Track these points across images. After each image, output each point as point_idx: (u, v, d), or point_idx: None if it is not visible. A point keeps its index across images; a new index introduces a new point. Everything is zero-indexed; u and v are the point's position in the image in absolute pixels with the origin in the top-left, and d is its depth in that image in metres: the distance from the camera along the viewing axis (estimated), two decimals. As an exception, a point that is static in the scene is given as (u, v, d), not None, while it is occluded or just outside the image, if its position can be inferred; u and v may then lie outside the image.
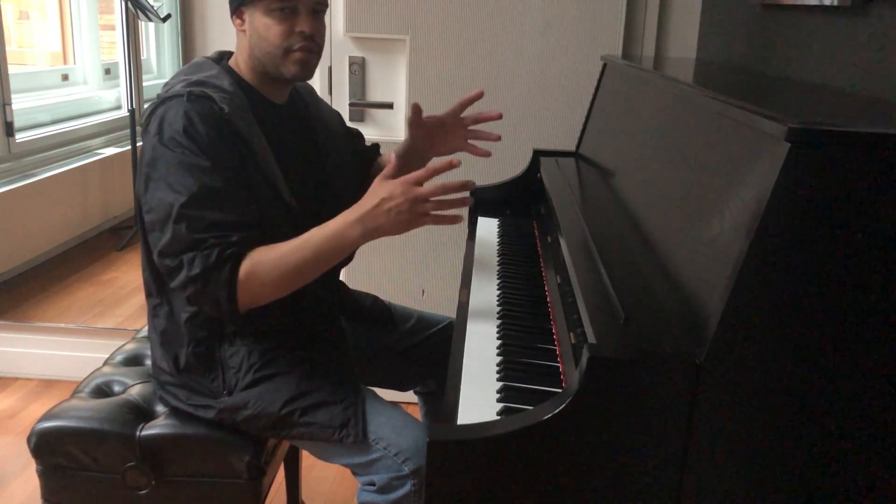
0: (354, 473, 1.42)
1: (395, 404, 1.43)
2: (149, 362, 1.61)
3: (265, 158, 1.37)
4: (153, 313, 1.46)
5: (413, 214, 1.26)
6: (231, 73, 1.43)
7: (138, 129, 3.75)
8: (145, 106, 3.91)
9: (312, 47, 1.40)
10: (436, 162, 1.32)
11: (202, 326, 1.41)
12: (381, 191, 1.27)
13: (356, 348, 1.65)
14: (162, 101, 1.35)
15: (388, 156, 1.69)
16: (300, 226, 1.36)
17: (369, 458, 1.36)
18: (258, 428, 1.41)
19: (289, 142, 1.48)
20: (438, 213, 1.28)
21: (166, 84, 1.41)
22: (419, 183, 1.27)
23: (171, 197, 1.29)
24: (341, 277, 1.72)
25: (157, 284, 1.44)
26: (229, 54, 1.49)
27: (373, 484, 1.36)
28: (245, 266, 1.29)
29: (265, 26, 1.38)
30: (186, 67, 1.44)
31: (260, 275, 1.30)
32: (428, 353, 1.70)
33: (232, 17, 1.43)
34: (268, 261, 1.30)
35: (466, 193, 1.30)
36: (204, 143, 1.30)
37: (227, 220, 1.30)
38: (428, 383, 1.75)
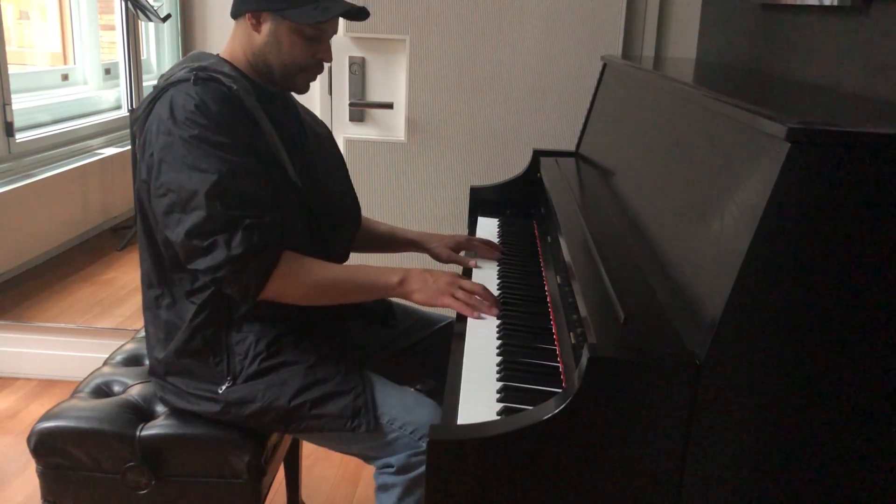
0: (367, 459, 1.41)
1: (403, 387, 1.44)
2: (148, 362, 1.61)
3: (272, 138, 1.39)
4: (154, 304, 1.45)
5: (446, 288, 1.39)
6: (228, 63, 1.44)
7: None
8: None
9: (321, 71, 1.47)
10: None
11: (208, 316, 1.40)
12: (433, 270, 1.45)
13: (357, 346, 1.64)
14: (164, 88, 1.35)
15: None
16: (308, 207, 1.41)
17: (385, 440, 1.36)
18: (266, 422, 1.40)
19: (286, 126, 1.50)
20: (463, 302, 1.38)
21: (163, 76, 1.41)
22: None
23: (196, 176, 1.28)
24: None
25: (159, 274, 1.43)
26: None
27: (390, 466, 1.36)
28: (287, 261, 1.34)
29: (290, 42, 1.40)
30: (184, 59, 1.45)
31: (299, 275, 1.35)
32: (428, 351, 1.70)
33: (244, 13, 1.41)
34: (312, 266, 1.37)
35: (496, 310, 1.40)
36: (219, 120, 1.31)
37: (260, 196, 1.32)
38: (427, 382, 1.75)
